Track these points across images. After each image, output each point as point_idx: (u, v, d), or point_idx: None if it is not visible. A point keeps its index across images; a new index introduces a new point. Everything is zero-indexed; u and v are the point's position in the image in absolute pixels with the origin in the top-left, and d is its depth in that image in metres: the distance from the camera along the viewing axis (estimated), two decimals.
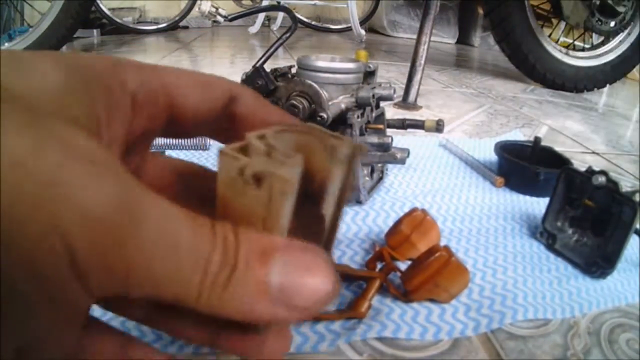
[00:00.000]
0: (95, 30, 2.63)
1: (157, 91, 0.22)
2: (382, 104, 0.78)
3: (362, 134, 0.70)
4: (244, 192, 0.18)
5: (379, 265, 0.57)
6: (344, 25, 3.54)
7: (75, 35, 1.83)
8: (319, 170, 0.21)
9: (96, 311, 0.26)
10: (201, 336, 0.24)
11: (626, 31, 1.94)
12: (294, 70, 0.74)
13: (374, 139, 0.70)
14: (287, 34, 0.72)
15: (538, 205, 0.80)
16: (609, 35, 1.95)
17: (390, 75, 1.95)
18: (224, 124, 0.25)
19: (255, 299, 0.17)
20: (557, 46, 1.95)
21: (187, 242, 0.16)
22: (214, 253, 0.16)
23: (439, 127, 0.86)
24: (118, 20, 2.72)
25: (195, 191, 0.26)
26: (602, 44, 2.01)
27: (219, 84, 0.25)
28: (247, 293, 0.17)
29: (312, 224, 0.22)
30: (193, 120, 0.24)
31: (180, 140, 0.85)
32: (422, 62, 1.38)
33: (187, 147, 0.87)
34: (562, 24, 2.28)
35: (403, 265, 0.57)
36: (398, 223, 0.61)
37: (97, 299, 0.17)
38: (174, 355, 0.43)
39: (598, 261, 0.60)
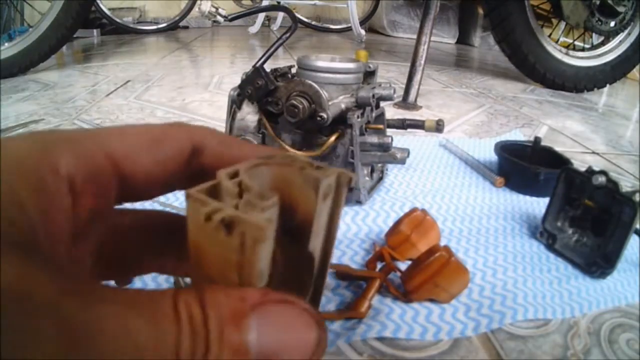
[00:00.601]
0: (95, 30, 2.63)
1: (98, 166, 0.20)
2: (382, 104, 0.78)
3: (362, 133, 0.70)
4: (214, 239, 0.17)
5: (379, 265, 0.57)
6: (344, 25, 3.54)
7: (75, 35, 1.83)
8: (302, 204, 0.20)
9: None
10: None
11: (626, 31, 1.94)
12: (294, 70, 0.74)
13: (374, 139, 0.70)
14: (287, 34, 0.72)
15: (538, 205, 0.80)
16: (609, 35, 1.95)
17: (390, 75, 1.95)
18: (194, 178, 0.22)
19: None
20: (557, 46, 1.94)
21: (149, 340, 0.15)
22: (182, 339, 0.15)
23: (439, 127, 0.86)
24: (118, 20, 2.72)
25: (170, 241, 0.25)
26: (602, 44, 2.01)
27: (174, 137, 0.22)
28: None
29: (301, 260, 0.21)
30: (147, 185, 0.22)
31: None
32: (422, 62, 1.38)
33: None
34: (562, 24, 2.28)
35: (403, 265, 0.57)
36: (398, 223, 0.61)
37: None
38: None
39: (598, 261, 0.60)
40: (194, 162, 0.22)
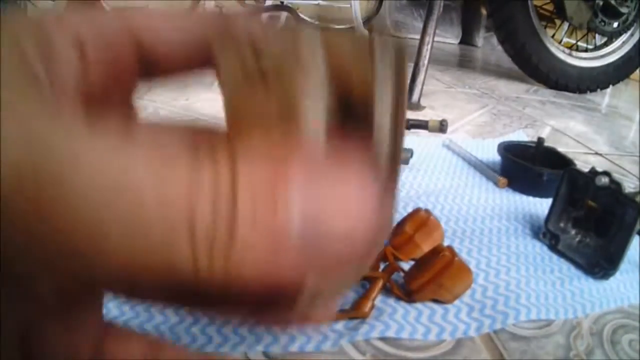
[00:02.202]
0: None
1: (114, 36, 0.18)
2: None
3: None
4: (251, 93, 0.14)
5: (382, 265, 0.58)
6: (347, 25, 3.54)
7: None
8: (356, 73, 0.15)
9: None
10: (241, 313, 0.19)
11: (629, 32, 1.93)
12: None
13: None
14: None
15: (541, 206, 0.80)
16: (612, 36, 1.95)
17: None
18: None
19: (275, 257, 0.12)
20: (560, 47, 1.94)
21: (148, 187, 0.11)
22: (197, 199, 0.11)
23: (442, 127, 0.86)
24: None
25: None
26: (605, 44, 2.00)
27: (201, 16, 0.20)
28: (262, 249, 0.12)
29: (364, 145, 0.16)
30: (169, 54, 0.19)
31: None
32: (426, 62, 1.38)
33: None
34: (566, 25, 2.27)
35: (406, 266, 0.57)
36: (401, 223, 0.61)
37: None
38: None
39: (601, 262, 0.60)
40: None
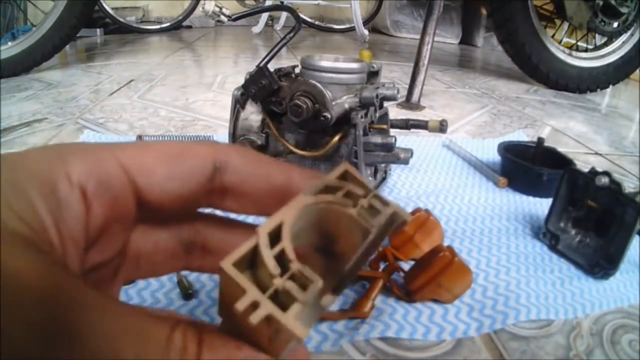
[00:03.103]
0: (98, 30, 2.64)
1: (110, 174, 0.19)
2: (385, 104, 0.78)
3: (365, 133, 0.71)
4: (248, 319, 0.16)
5: (382, 265, 0.58)
6: (347, 25, 3.54)
7: (78, 35, 1.83)
8: (344, 240, 0.19)
9: None
10: None
11: (629, 32, 1.93)
12: (297, 70, 0.74)
13: (377, 139, 0.70)
14: (292, 34, 0.72)
15: (541, 206, 0.80)
16: (612, 36, 1.94)
17: (394, 75, 1.95)
18: (217, 198, 0.22)
19: None
20: (561, 47, 1.94)
21: (131, 350, 0.15)
22: None
23: (442, 127, 0.86)
24: (121, 20, 2.73)
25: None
26: (605, 44, 2.00)
27: (194, 153, 0.21)
28: None
29: (331, 268, 0.20)
30: (165, 201, 0.21)
31: None
32: (426, 62, 1.38)
33: None
34: (566, 25, 2.27)
35: (406, 266, 0.57)
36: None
37: None
38: None
39: (601, 262, 0.60)
40: (216, 179, 0.21)
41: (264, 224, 0.18)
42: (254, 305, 0.16)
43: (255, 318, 0.15)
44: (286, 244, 0.17)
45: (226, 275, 0.16)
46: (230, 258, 0.17)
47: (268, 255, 0.17)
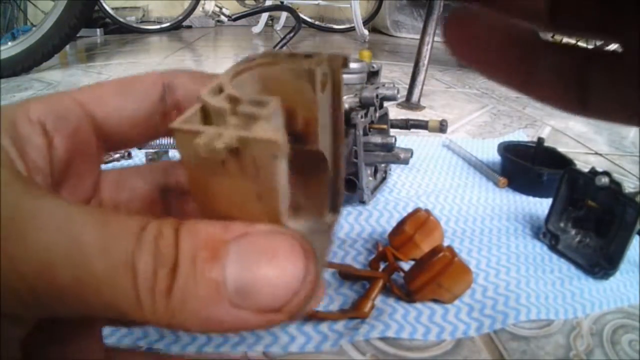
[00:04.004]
0: (98, 30, 2.63)
1: (67, 108, 0.20)
2: (385, 104, 0.78)
3: (365, 133, 0.70)
4: (222, 172, 0.14)
5: (382, 265, 0.58)
6: (347, 25, 3.54)
7: (78, 35, 1.83)
8: (300, 102, 0.17)
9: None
10: None
11: None
12: None
13: (377, 139, 0.70)
14: (292, 34, 0.72)
15: (541, 206, 0.80)
16: None
17: (394, 75, 1.95)
18: (173, 117, 0.21)
19: (210, 304, 0.14)
20: None
21: (94, 243, 0.14)
22: (140, 252, 0.14)
23: (442, 127, 0.86)
24: (121, 20, 2.73)
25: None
26: (605, 44, 2.00)
27: (144, 78, 0.22)
28: (200, 298, 0.14)
29: (311, 166, 0.19)
30: (125, 127, 0.21)
31: None
32: (426, 62, 1.38)
33: None
34: None
35: (406, 266, 0.57)
36: (401, 223, 0.61)
37: (30, 321, 0.16)
38: (182, 355, 0.43)
39: (601, 262, 0.60)
40: (168, 100, 0.22)
41: (202, 89, 0.16)
42: (216, 138, 0.14)
43: (220, 144, 0.13)
44: (231, 90, 0.15)
45: (180, 133, 0.14)
46: (178, 119, 0.15)
47: (213, 99, 0.15)
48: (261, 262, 0.14)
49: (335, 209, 0.19)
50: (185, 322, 0.14)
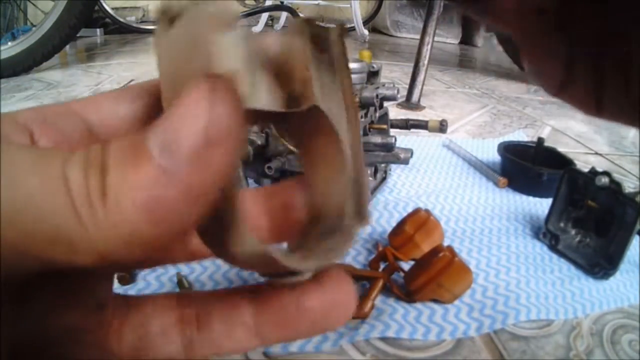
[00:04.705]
0: (98, 30, 2.64)
1: (58, 113, 0.19)
2: (385, 104, 0.78)
3: (365, 133, 0.70)
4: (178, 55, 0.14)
5: (382, 265, 0.58)
6: (347, 25, 3.54)
7: (78, 35, 1.83)
8: (294, 64, 0.16)
9: None
10: (249, 340, 0.20)
11: None
12: None
13: (377, 139, 0.70)
14: None
15: (541, 206, 0.80)
16: None
17: (394, 75, 1.95)
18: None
19: (146, 184, 0.13)
20: None
21: (28, 169, 0.13)
22: (70, 164, 0.13)
23: (442, 127, 0.86)
24: (121, 20, 2.73)
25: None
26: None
27: (134, 84, 0.22)
28: (134, 182, 0.13)
29: (318, 144, 0.18)
30: (117, 129, 0.21)
31: None
32: (426, 62, 1.38)
33: None
34: None
35: (406, 266, 0.57)
36: (401, 223, 0.61)
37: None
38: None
39: (601, 262, 0.60)
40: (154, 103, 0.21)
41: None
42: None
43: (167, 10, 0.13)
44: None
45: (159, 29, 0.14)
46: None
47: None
48: (173, 115, 0.13)
49: (360, 213, 0.18)
50: (134, 220, 0.13)
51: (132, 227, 0.13)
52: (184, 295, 0.21)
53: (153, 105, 0.21)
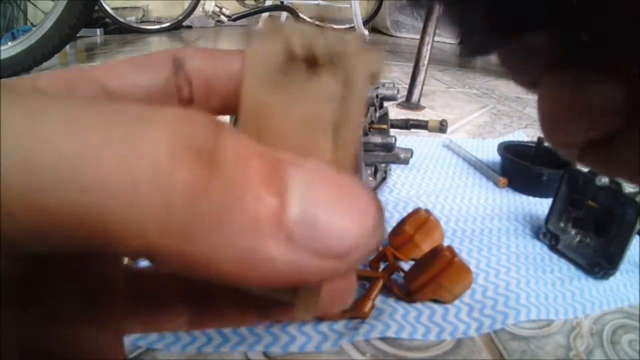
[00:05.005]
0: (98, 30, 2.63)
1: (77, 83, 0.18)
2: (385, 104, 0.78)
3: (365, 133, 0.70)
4: (297, 89, 0.11)
5: (382, 265, 0.58)
6: (347, 25, 3.54)
7: (78, 35, 1.83)
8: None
9: None
10: (253, 315, 0.19)
11: None
12: None
13: (377, 139, 0.70)
14: None
15: (541, 206, 0.80)
16: None
17: (394, 75, 1.95)
18: (185, 92, 0.20)
19: (260, 231, 0.10)
20: None
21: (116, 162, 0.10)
22: (157, 135, 0.10)
23: (442, 127, 0.86)
24: (121, 20, 2.73)
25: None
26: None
27: (153, 54, 0.20)
28: (245, 219, 0.10)
29: None
30: (138, 98, 0.19)
31: None
32: (426, 62, 1.38)
33: None
34: None
35: (406, 266, 0.57)
36: (401, 223, 0.61)
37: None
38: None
39: (601, 262, 0.60)
40: (179, 73, 0.20)
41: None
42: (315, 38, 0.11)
43: (319, 45, 0.11)
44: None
45: (265, 31, 0.12)
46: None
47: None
48: (331, 198, 0.11)
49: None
50: (214, 249, 0.10)
51: (213, 258, 0.10)
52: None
53: (168, 78, 0.20)
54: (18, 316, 0.14)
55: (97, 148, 0.10)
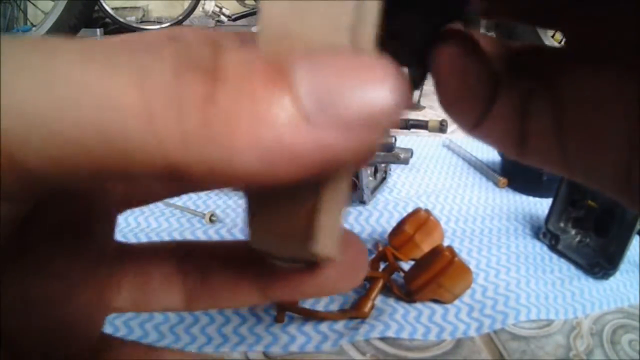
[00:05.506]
0: (98, 30, 2.63)
1: None
2: None
3: None
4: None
5: (382, 265, 0.58)
6: None
7: (78, 35, 1.83)
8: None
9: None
10: (252, 296, 0.18)
11: None
12: None
13: None
14: None
15: (541, 205, 0.80)
16: None
17: None
18: None
19: (282, 126, 0.10)
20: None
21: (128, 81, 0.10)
22: (156, 61, 0.10)
23: (442, 127, 0.85)
24: (121, 20, 2.73)
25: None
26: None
27: (148, 33, 0.18)
28: (262, 121, 0.10)
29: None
30: None
31: None
32: None
33: None
34: None
35: (406, 266, 0.57)
36: (401, 223, 0.61)
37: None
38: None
39: (601, 262, 0.60)
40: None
41: None
42: None
43: None
44: None
45: None
46: None
47: None
48: (344, 72, 0.11)
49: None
50: (235, 152, 0.10)
51: (238, 159, 0.10)
52: (186, 243, 0.20)
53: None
54: (14, 262, 0.14)
55: (109, 77, 0.10)
